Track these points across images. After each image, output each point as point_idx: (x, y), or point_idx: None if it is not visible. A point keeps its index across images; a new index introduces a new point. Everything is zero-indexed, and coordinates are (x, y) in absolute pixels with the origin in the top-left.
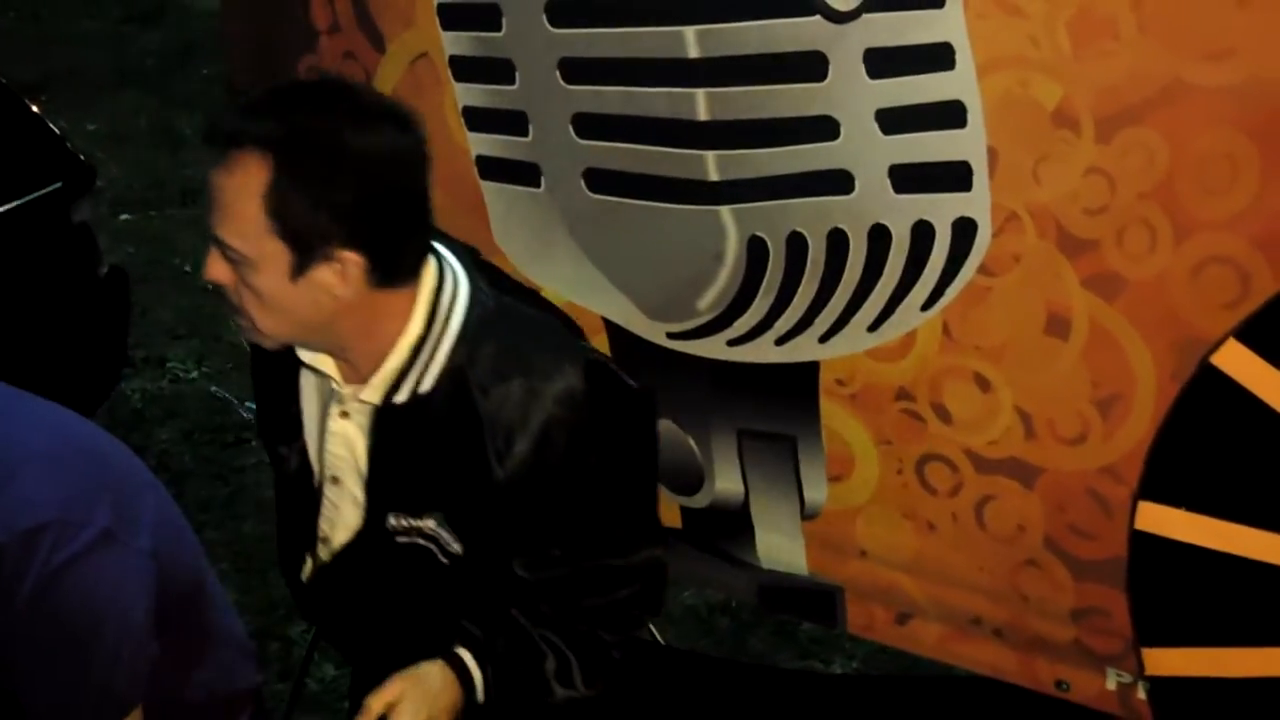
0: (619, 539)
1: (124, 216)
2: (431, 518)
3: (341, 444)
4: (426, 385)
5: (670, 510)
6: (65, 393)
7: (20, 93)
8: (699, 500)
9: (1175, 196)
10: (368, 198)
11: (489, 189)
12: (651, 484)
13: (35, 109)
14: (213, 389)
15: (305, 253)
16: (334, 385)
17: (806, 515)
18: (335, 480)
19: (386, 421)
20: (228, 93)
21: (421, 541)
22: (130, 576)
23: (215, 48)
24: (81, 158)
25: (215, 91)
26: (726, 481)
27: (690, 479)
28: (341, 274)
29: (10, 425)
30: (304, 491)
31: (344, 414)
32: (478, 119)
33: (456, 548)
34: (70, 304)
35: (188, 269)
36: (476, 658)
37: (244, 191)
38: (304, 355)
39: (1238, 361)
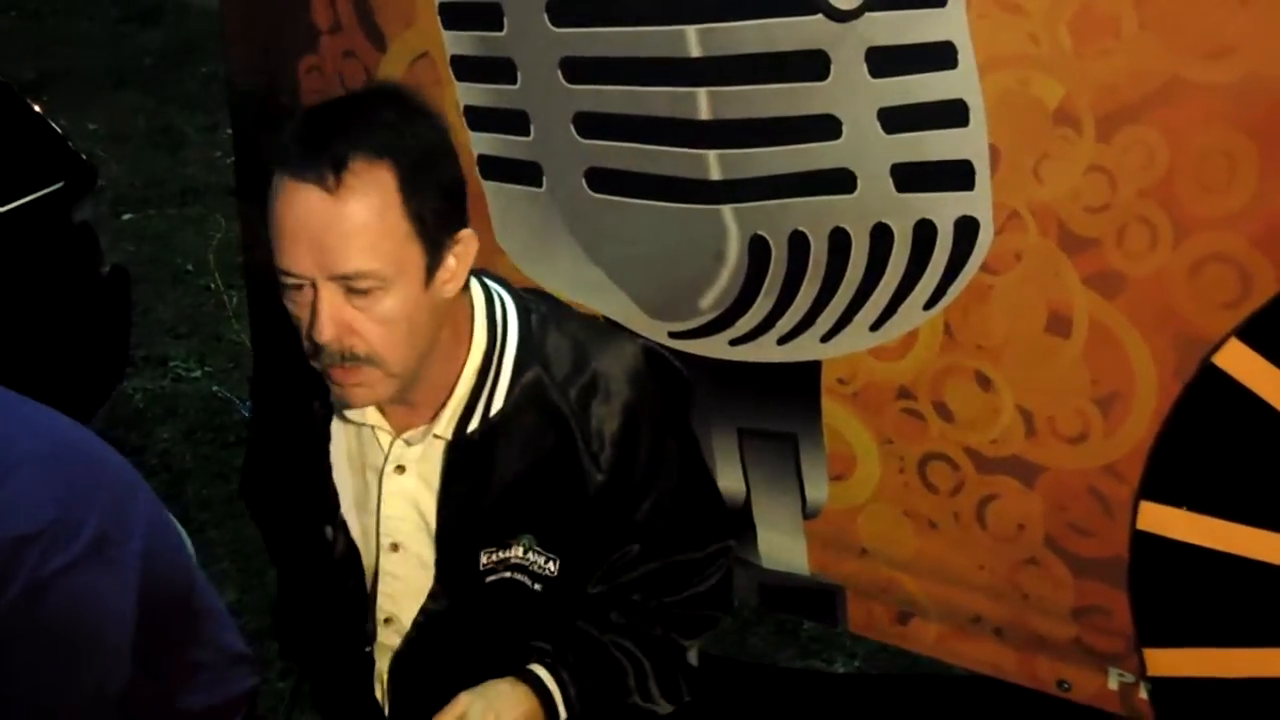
0: (694, 528)
1: (125, 216)
2: (520, 544)
3: (402, 503)
4: (497, 405)
5: None
6: (67, 392)
7: (20, 92)
8: None
9: (1175, 194)
10: (458, 170)
11: (490, 188)
12: (709, 471)
13: (37, 109)
14: (214, 388)
15: (437, 247)
16: (384, 440)
17: (808, 514)
18: (395, 548)
19: (461, 457)
20: (228, 92)
21: (510, 575)
22: (118, 589)
23: (215, 47)
24: (83, 157)
25: (215, 91)
26: (728, 480)
27: None
28: (461, 256)
29: (3, 427)
30: (351, 576)
31: (399, 469)
32: (479, 118)
33: (551, 568)
34: (72, 303)
35: (189, 268)
36: (551, 671)
37: (380, 205)
38: (351, 414)
39: (1239, 361)
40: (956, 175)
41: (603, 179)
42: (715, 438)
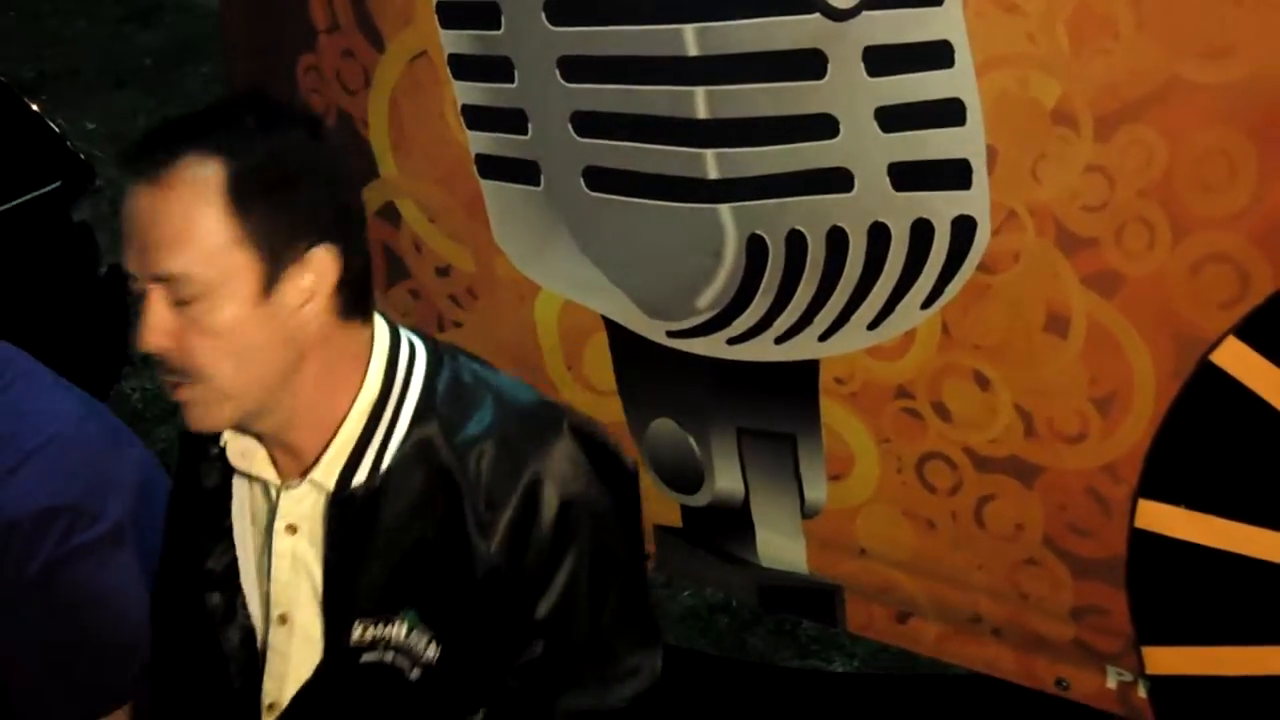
0: (613, 632)
1: None
2: (404, 621)
3: (291, 566)
4: (388, 460)
5: (670, 509)
6: None
7: (20, 92)
8: (699, 499)
9: (1174, 194)
10: (331, 187)
11: (488, 187)
12: (644, 573)
13: (35, 108)
14: None
15: (276, 260)
16: (272, 490)
17: (806, 514)
18: (284, 620)
19: (344, 513)
20: (226, 92)
21: (389, 658)
22: (135, 577)
23: (214, 47)
24: (81, 156)
25: (215, 91)
26: (726, 480)
27: (690, 477)
28: (321, 275)
29: (35, 405)
30: (240, 659)
31: (291, 528)
32: (477, 117)
33: (431, 653)
34: (70, 302)
35: None
36: None
37: (198, 199)
38: (236, 459)
39: (1238, 359)
40: (954, 174)
41: (600, 178)
42: (714, 437)
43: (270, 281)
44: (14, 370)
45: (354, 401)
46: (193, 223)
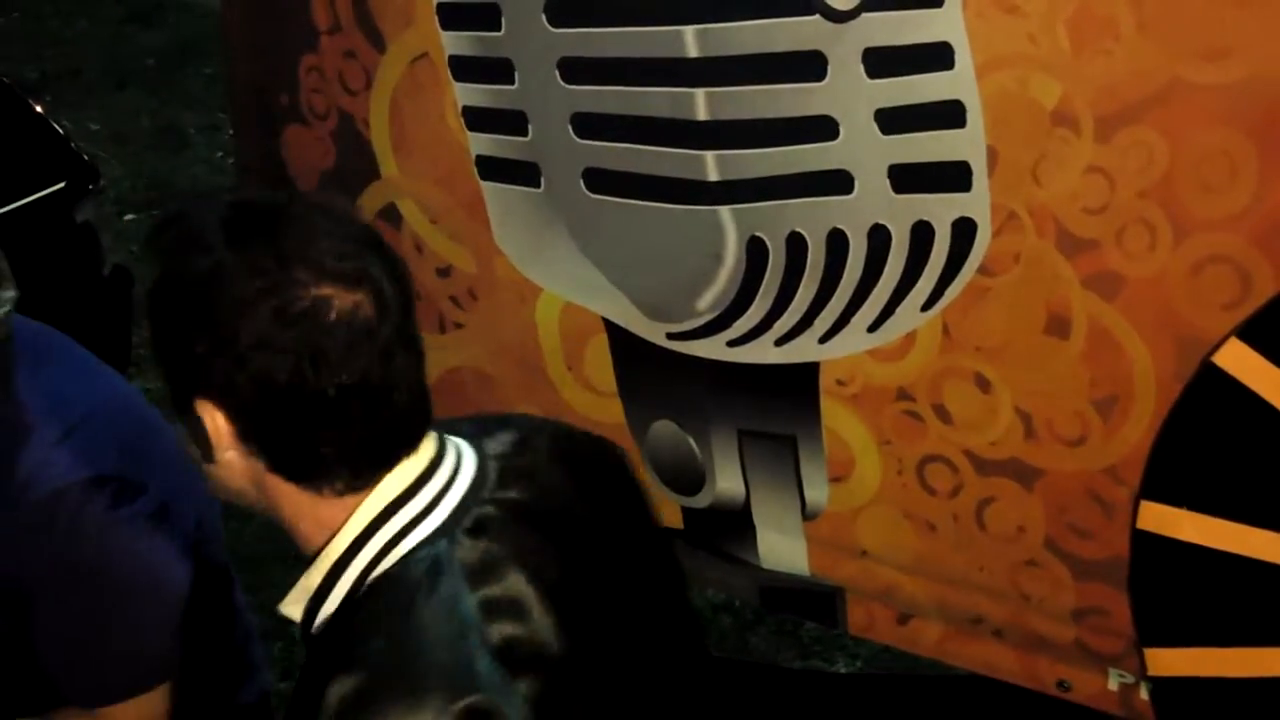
0: None
1: (128, 217)
2: None
3: None
4: (328, 609)
5: (671, 510)
6: None
7: (22, 93)
8: (700, 500)
9: (1174, 195)
10: (211, 328)
11: (489, 189)
12: None
13: (39, 109)
14: None
15: (178, 401)
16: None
17: (807, 515)
18: None
19: (309, 646)
20: (228, 92)
21: None
22: (175, 555)
23: (216, 47)
24: (85, 157)
25: (216, 91)
26: (727, 481)
27: (691, 479)
28: (215, 433)
29: (78, 383)
30: None
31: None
32: (477, 119)
33: None
34: (74, 303)
35: None
36: None
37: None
38: None
39: (1240, 360)
40: (954, 176)
41: (600, 179)
42: (714, 439)
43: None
44: (57, 350)
45: (328, 544)
46: None
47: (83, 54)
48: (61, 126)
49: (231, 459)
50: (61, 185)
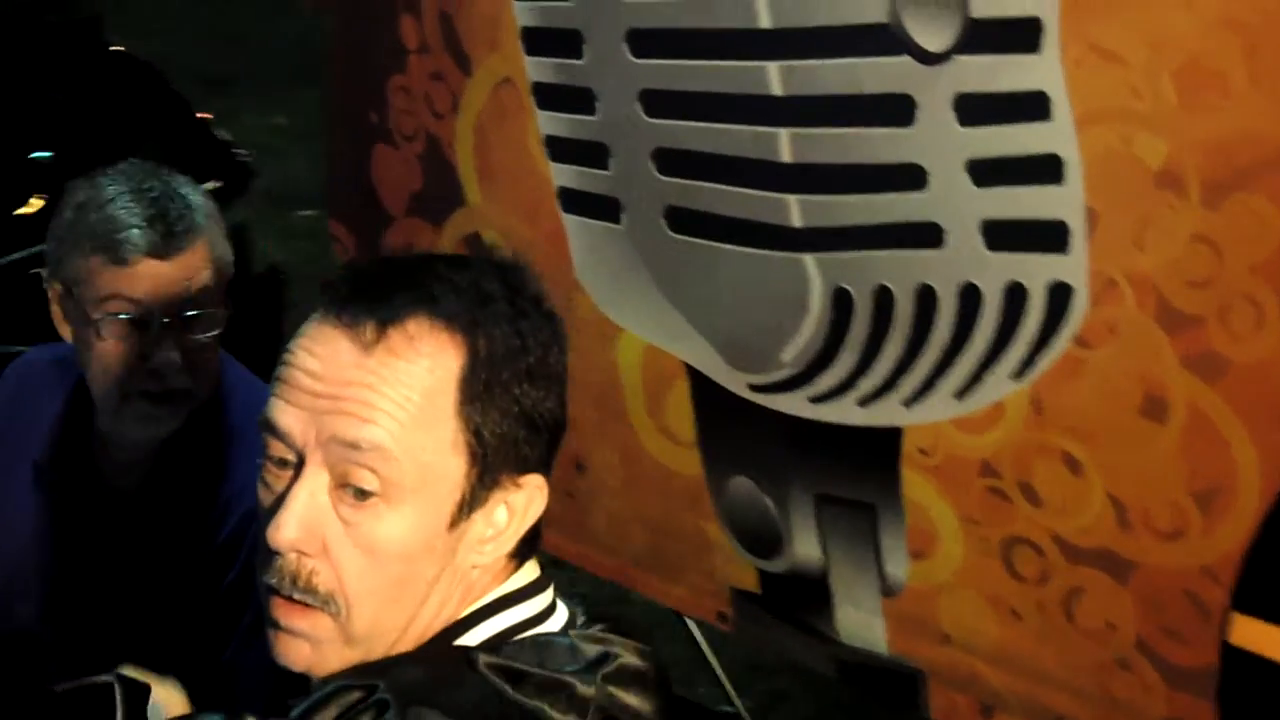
0: None
1: (303, 212)
2: None
3: None
4: None
5: (748, 572)
6: None
7: (212, 84)
8: (777, 565)
9: None
10: (554, 406)
11: (570, 222)
12: None
13: (204, 116)
14: None
15: (488, 480)
16: None
17: (887, 591)
18: None
19: None
20: (323, 107)
21: None
22: None
23: None
24: (240, 159)
25: None
26: (805, 547)
27: (768, 541)
28: (516, 513)
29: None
30: None
31: None
32: (559, 149)
33: None
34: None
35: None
36: None
37: (433, 379)
38: None
39: None
40: (1050, 236)
41: (683, 218)
42: (792, 501)
43: (469, 506)
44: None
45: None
46: (413, 403)
47: (274, 50)
48: (245, 123)
49: (485, 555)
50: (219, 185)
